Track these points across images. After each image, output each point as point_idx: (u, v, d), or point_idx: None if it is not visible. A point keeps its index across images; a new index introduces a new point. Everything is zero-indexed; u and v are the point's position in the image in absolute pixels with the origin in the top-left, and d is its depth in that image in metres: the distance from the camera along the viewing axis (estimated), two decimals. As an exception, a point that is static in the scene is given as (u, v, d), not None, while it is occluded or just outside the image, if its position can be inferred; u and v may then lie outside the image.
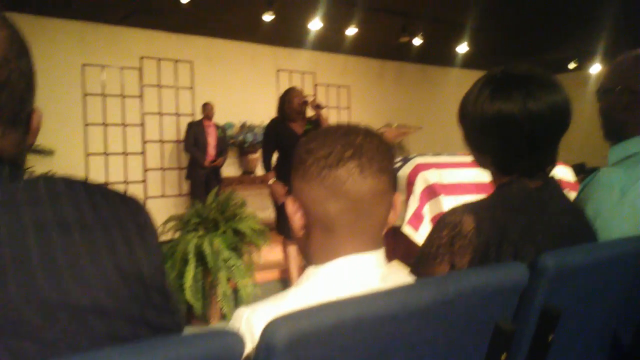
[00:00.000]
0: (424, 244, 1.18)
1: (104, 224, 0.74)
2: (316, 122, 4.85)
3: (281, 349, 0.67)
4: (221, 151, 7.35)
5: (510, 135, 1.18)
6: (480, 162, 1.30)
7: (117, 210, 0.77)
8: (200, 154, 7.14)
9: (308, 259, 0.97)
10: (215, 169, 7.28)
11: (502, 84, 1.20)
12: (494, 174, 1.27)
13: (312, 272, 0.92)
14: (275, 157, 4.83)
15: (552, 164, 1.24)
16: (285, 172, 4.53)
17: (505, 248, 1.11)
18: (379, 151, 0.92)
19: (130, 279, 0.72)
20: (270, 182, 4.62)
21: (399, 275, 0.93)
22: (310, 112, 4.89)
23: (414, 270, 1.16)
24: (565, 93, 1.20)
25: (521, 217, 1.15)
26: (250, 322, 0.85)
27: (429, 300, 0.82)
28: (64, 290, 0.65)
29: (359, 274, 0.90)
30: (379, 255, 0.93)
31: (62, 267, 0.66)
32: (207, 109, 7.34)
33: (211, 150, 7.23)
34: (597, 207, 1.35)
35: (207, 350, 0.60)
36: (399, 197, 0.98)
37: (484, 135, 1.23)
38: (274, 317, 0.73)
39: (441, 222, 1.16)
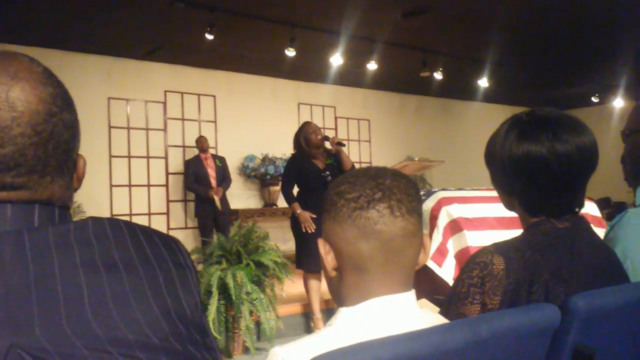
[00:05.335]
0: (455, 284, 1.19)
1: (147, 263, 0.78)
2: (336, 155, 4.88)
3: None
4: (222, 181, 7.35)
5: (538, 176, 1.19)
6: (507, 203, 1.30)
7: (158, 249, 0.81)
8: (202, 187, 7.18)
9: (340, 300, 0.98)
10: (221, 202, 7.22)
11: (529, 126, 1.21)
12: (521, 216, 1.27)
13: (345, 312, 0.93)
14: (295, 191, 4.89)
15: (581, 205, 1.24)
16: (309, 207, 4.62)
17: (536, 288, 1.11)
18: (408, 193, 0.94)
19: (173, 317, 0.75)
20: (298, 211, 4.66)
21: (431, 316, 0.94)
22: (329, 146, 4.93)
23: (446, 310, 1.17)
24: (592, 135, 1.21)
25: (551, 257, 1.15)
26: None
27: (462, 342, 0.83)
28: (112, 326, 0.68)
29: (393, 315, 0.91)
30: (410, 295, 0.95)
31: (110, 304, 0.70)
32: (200, 141, 7.39)
33: (213, 181, 7.25)
34: (626, 248, 1.34)
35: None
36: (428, 239, 0.99)
37: (511, 177, 1.24)
38: (310, 357, 0.74)
39: (471, 262, 1.16)
